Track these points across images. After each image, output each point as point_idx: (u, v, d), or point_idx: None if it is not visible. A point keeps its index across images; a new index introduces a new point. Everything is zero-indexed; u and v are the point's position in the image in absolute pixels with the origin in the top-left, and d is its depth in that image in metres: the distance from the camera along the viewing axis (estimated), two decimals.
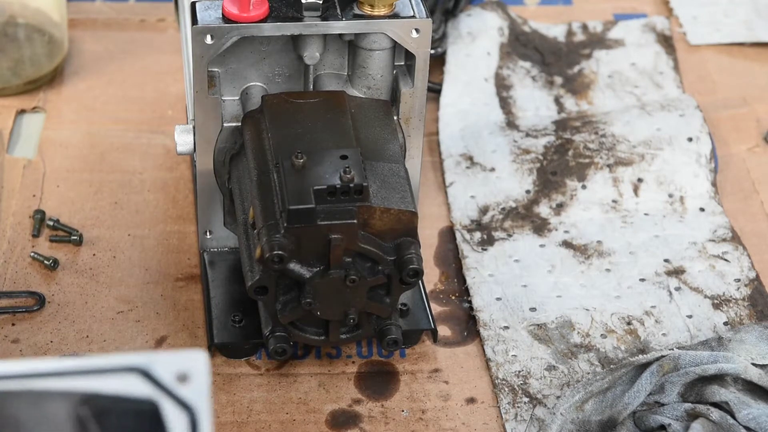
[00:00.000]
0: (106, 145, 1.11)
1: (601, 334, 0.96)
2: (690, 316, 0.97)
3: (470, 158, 1.10)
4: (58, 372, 0.56)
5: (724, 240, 1.04)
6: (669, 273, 1.01)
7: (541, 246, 1.03)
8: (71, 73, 1.19)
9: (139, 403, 0.54)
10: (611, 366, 0.91)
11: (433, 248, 1.03)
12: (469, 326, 0.97)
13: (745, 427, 0.86)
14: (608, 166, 1.08)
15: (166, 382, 0.53)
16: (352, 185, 0.83)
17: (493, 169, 1.09)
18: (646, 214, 1.06)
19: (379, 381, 0.92)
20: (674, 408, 0.88)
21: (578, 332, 0.96)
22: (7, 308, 0.96)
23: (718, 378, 0.89)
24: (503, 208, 1.06)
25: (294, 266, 0.85)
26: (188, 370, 0.54)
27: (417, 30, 0.91)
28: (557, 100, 1.18)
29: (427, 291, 0.98)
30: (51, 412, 0.57)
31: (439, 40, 1.20)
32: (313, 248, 0.84)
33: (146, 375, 0.53)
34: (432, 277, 1.01)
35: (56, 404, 0.56)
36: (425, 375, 0.93)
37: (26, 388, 0.56)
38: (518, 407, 0.90)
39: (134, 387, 0.54)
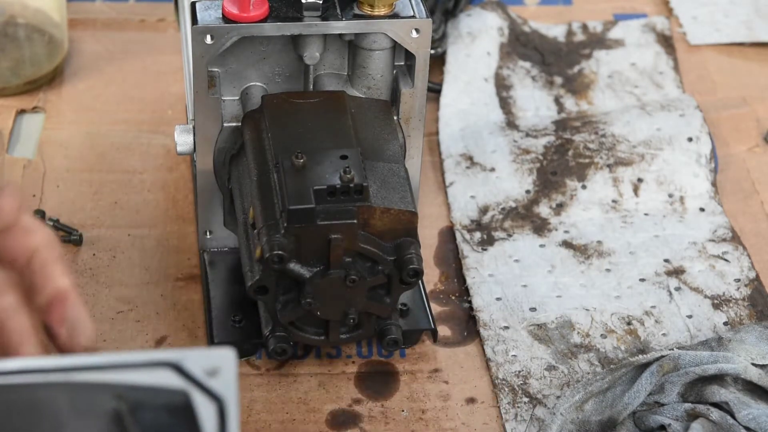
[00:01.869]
0: (106, 145, 1.11)
1: (601, 334, 0.96)
2: (690, 316, 0.97)
3: (470, 158, 1.10)
4: (94, 366, 0.58)
5: (724, 240, 1.04)
6: (669, 273, 1.01)
7: (541, 246, 1.03)
8: (71, 73, 1.19)
9: (171, 394, 0.56)
10: (611, 366, 0.91)
11: (433, 248, 1.03)
12: (469, 326, 0.97)
13: (745, 427, 0.86)
14: (608, 166, 1.08)
15: (197, 375, 0.56)
16: (352, 185, 0.83)
17: (493, 169, 1.09)
18: (646, 214, 1.06)
19: (379, 381, 0.92)
20: (674, 408, 0.88)
21: (578, 332, 0.96)
22: None
23: (718, 378, 0.89)
24: (503, 208, 1.06)
25: (294, 266, 0.85)
26: (217, 365, 0.56)
27: (417, 30, 0.91)
28: (557, 100, 1.18)
29: (427, 291, 0.98)
30: (88, 404, 0.59)
31: (439, 40, 1.20)
32: (313, 248, 0.84)
33: (178, 369, 0.56)
34: (432, 277, 1.01)
35: (93, 397, 0.58)
36: (425, 375, 0.93)
37: (64, 380, 0.58)
38: (518, 407, 0.90)
39: (167, 379, 0.56)
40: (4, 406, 0.60)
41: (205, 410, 0.55)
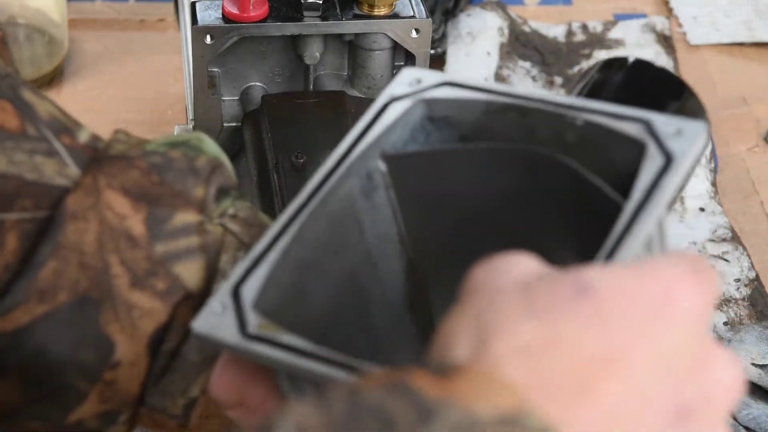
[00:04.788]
0: None
1: None
2: None
3: None
4: (568, 105, 0.58)
5: (724, 240, 1.04)
6: None
7: None
8: (71, 73, 1.19)
9: (629, 141, 0.56)
10: None
11: None
12: None
13: (745, 427, 0.86)
14: None
15: (661, 132, 0.56)
16: None
17: None
18: None
19: None
20: None
21: None
22: None
23: None
24: None
25: None
26: (684, 128, 0.56)
27: (417, 30, 0.91)
28: None
29: None
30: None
31: (439, 40, 1.20)
32: None
33: (647, 125, 0.56)
34: None
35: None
36: None
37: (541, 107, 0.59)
38: None
39: (631, 129, 0.56)
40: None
41: (650, 163, 0.55)
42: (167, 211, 0.61)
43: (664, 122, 0.56)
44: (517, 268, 0.48)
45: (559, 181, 0.59)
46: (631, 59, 0.73)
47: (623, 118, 0.57)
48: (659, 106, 0.68)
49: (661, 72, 0.73)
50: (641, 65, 0.73)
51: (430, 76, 0.61)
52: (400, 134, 0.61)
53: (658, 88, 0.72)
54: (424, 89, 0.61)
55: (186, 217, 0.61)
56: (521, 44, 1.23)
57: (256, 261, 0.56)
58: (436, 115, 0.61)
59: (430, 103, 0.61)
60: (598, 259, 0.50)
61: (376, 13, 0.90)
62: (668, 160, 0.54)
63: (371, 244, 0.62)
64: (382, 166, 0.61)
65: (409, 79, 0.62)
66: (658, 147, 0.55)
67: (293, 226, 0.57)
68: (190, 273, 0.60)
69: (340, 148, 0.61)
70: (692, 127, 0.55)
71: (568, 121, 0.58)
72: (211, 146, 0.65)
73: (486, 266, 0.48)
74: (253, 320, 0.53)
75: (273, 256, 0.56)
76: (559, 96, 0.59)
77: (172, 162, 0.62)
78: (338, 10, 0.90)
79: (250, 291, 0.55)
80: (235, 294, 0.55)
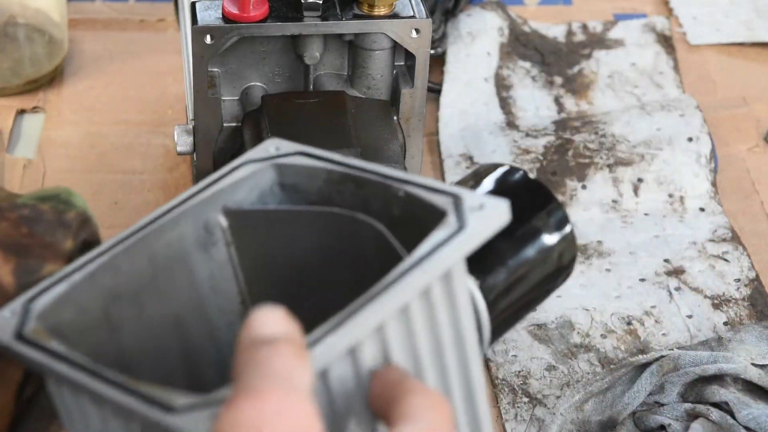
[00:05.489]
0: (106, 145, 1.11)
1: (601, 335, 0.96)
2: (690, 316, 0.97)
3: (470, 158, 1.10)
4: (386, 175, 0.61)
5: (724, 240, 1.04)
6: (669, 273, 1.01)
7: None
8: (71, 73, 1.19)
9: (440, 212, 0.59)
10: (611, 366, 0.91)
11: None
12: None
13: (745, 427, 0.86)
14: (608, 166, 1.08)
15: (466, 206, 0.58)
16: None
17: None
18: (646, 214, 1.06)
19: None
20: (674, 408, 0.88)
21: (578, 332, 0.96)
22: None
23: (718, 378, 0.89)
24: None
25: None
26: (486, 204, 0.58)
27: (417, 30, 0.91)
28: (557, 100, 1.18)
29: None
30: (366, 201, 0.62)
31: (439, 40, 1.20)
32: None
33: (456, 200, 0.58)
34: None
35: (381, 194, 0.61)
36: None
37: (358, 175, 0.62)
38: (518, 407, 0.90)
39: (441, 201, 0.59)
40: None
41: (443, 229, 0.56)
42: (36, 262, 0.62)
43: (470, 197, 0.58)
44: (286, 426, 0.47)
45: (370, 247, 0.60)
46: (503, 167, 0.75)
47: (438, 192, 0.59)
48: (526, 214, 0.70)
49: (531, 182, 0.75)
50: (511, 173, 0.75)
51: (288, 146, 0.65)
52: (247, 194, 0.63)
53: (526, 197, 0.74)
54: (279, 156, 0.64)
55: (54, 268, 0.62)
56: (521, 44, 1.23)
57: (59, 280, 0.58)
58: (286, 182, 0.64)
59: (281, 168, 0.64)
60: (360, 302, 0.52)
61: (376, 13, 0.90)
62: (460, 228, 0.56)
63: (205, 297, 0.63)
64: (222, 221, 0.63)
65: (267, 147, 0.65)
66: (457, 217, 0.57)
67: (107, 254, 0.60)
68: None
69: (180, 196, 0.63)
70: (495, 204, 0.57)
71: (393, 192, 0.60)
72: (80, 200, 0.67)
73: (256, 409, 0.47)
74: (32, 326, 0.56)
75: (76, 277, 0.58)
76: (389, 169, 0.61)
77: (41, 215, 0.64)
78: (338, 10, 0.90)
79: (41, 304, 0.57)
80: (28, 305, 0.57)
